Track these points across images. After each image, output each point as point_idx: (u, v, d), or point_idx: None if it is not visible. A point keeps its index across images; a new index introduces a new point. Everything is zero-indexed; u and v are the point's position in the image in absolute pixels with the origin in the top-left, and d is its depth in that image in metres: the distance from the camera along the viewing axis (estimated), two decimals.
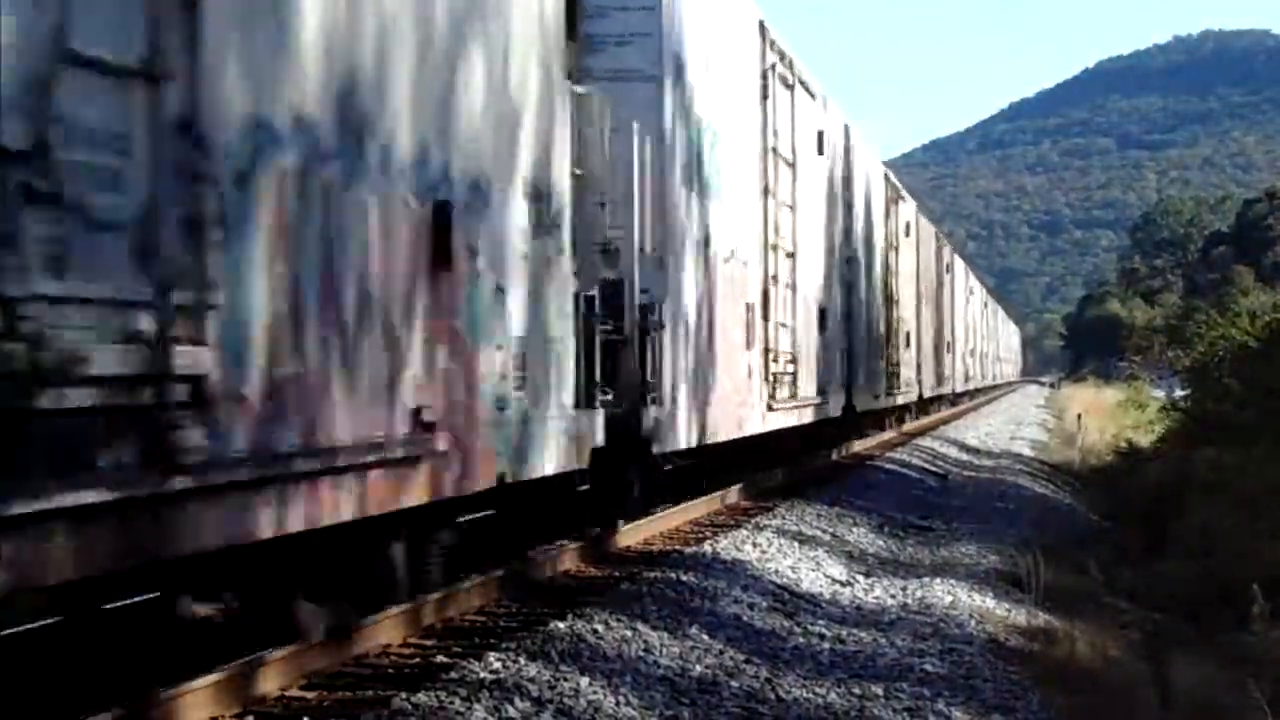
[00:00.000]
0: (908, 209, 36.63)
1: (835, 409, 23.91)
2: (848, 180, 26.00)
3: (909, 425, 40.00)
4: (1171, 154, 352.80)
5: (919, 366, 38.52)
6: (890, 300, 32.36)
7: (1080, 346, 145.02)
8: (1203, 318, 42.36)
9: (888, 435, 35.08)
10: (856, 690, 9.18)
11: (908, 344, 35.04)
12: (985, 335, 77.09)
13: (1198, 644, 13.09)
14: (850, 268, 25.99)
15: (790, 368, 19.74)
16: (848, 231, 25.85)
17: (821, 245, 22.79)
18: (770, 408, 18.50)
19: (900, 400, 34.68)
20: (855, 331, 26.30)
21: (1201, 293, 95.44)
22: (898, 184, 34.41)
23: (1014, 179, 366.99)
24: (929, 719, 8.79)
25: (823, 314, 22.28)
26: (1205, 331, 39.10)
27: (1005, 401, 75.95)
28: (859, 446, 30.08)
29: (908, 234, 35.99)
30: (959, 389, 57.40)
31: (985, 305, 79.00)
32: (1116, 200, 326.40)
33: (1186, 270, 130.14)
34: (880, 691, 9.21)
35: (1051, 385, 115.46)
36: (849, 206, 26.06)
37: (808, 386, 20.92)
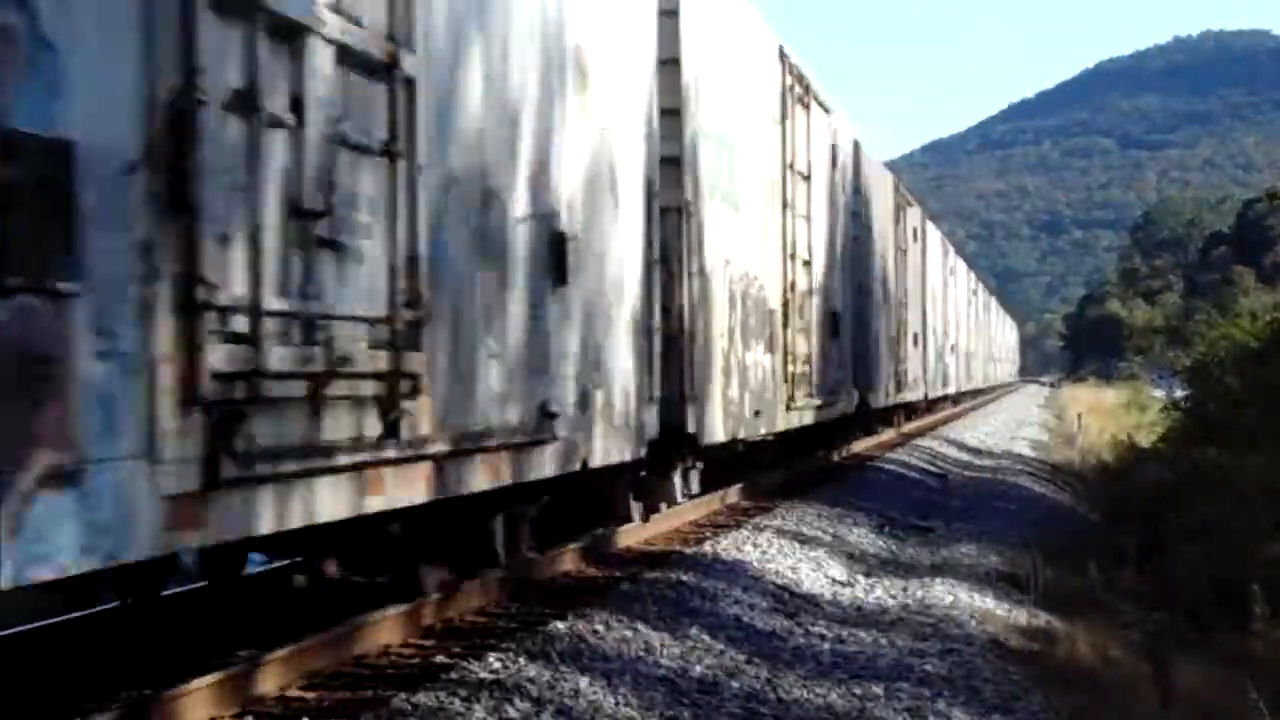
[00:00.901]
0: (821, 121, 21.80)
1: (558, 460, 10.31)
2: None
3: (908, 425, 39.81)
4: (1172, 154, 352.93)
5: (858, 365, 25.45)
6: (793, 255, 19.18)
7: (1080, 347, 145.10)
8: (1203, 318, 42.36)
9: (887, 435, 35.02)
10: (857, 690, 9.17)
11: (835, 329, 22.31)
12: (974, 328, 63.64)
13: (1198, 644, 13.08)
14: (677, 175, 13.87)
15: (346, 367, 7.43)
16: (673, 113, 13.76)
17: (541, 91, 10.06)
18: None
19: (809, 418, 20.32)
20: (678, 294, 13.71)
21: (1202, 293, 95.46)
22: (801, 68, 20.12)
23: (1014, 179, 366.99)
24: (929, 719, 8.78)
25: (559, 246, 10.30)
26: (1206, 331, 39.12)
27: (1005, 402, 75.91)
28: (859, 447, 30.05)
29: (835, 164, 23.36)
30: (934, 394, 44.14)
31: (974, 293, 65.61)
32: (1117, 200, 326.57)
33: (1187, 270, 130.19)
34: (881, 692, 9.20)
35: (1051, 385, 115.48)
36: (673, 64, 13.78)
37: (447, 421, 8.34)
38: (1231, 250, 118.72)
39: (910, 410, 39.47)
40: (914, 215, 37.63)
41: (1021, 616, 12.80)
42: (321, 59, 6.71)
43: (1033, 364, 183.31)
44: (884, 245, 30.92)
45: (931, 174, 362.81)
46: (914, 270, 36.96)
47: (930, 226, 43.60)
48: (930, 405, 45.11)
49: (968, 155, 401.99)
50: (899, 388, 32.70)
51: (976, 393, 69.41)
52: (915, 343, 36.30)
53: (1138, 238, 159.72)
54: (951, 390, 50.85)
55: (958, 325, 52.98)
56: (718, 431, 15.07)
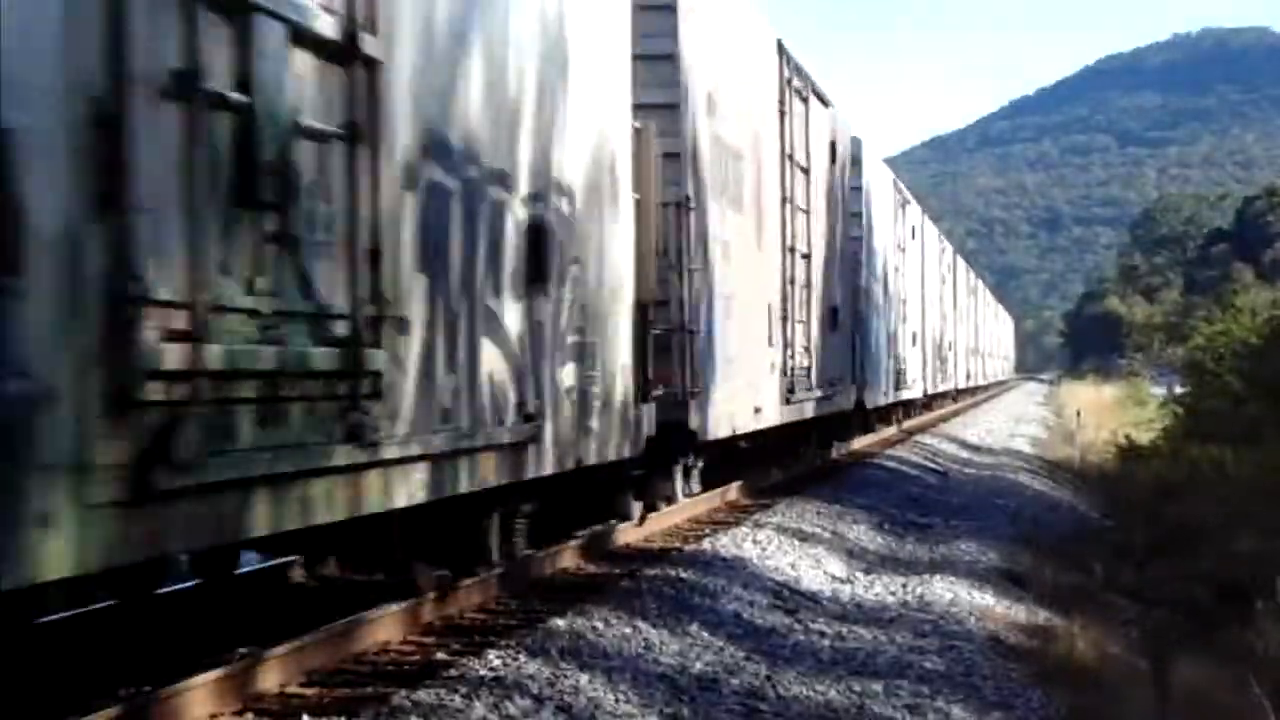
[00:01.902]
0: None
1: None
2: None
3: (909, 422, 39.73)
4: (1171, 151, 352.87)
5: (672, 353, 13.99)
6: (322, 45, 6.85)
7: (1080, 343, 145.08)
8: (1203, 313, 42.36)
9: (888, 432, 35.03)
10: (856, 687, 9.18)
11: (539, 266, 9.87)
12: (952, 313, 51.21)
13: (1198, 642, 13.08)
14: None
15: None
16: None
17: None
18: None
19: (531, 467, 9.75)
20: None
21: (1201, 290, 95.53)
22: None
23: (1014, 176, 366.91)
24: (929, 716, 8.79)
25: None
26: (1205, 328, 39.14)
27: (1003, 400, 75.91)
28: (859, 444, 30.03)
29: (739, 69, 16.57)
30: (880, 400, 30.61)
31: (952, 270, 52.88)
32: (1116, 197, 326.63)
33: (1186, 267, 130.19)
34: (880, 689, 9.21)
35: (1051, 383, 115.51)
36: None
37: None
38: (1231, 247, 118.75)
39: (835, 431, 26.20)
40: (826, 122, 23.08)
41: (1021, 613, 12.80)
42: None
43: (1032, 361, 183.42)
44: (745, 143, 16.99)
45: (931, 171, 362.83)
46: (829, 209, 23.35)
47: (871, 158, 30.19)
48: (869, 419, 31.35)
49: (967, 152, 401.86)
50: (792, 394, 19.31)
51: (957, 394, 57.13)
52: (832, 324, 23.21)
53: (1137, 235, 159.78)
54: (913, 394, 38.12)
55: (925, 307, 40.65)
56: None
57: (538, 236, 9.69)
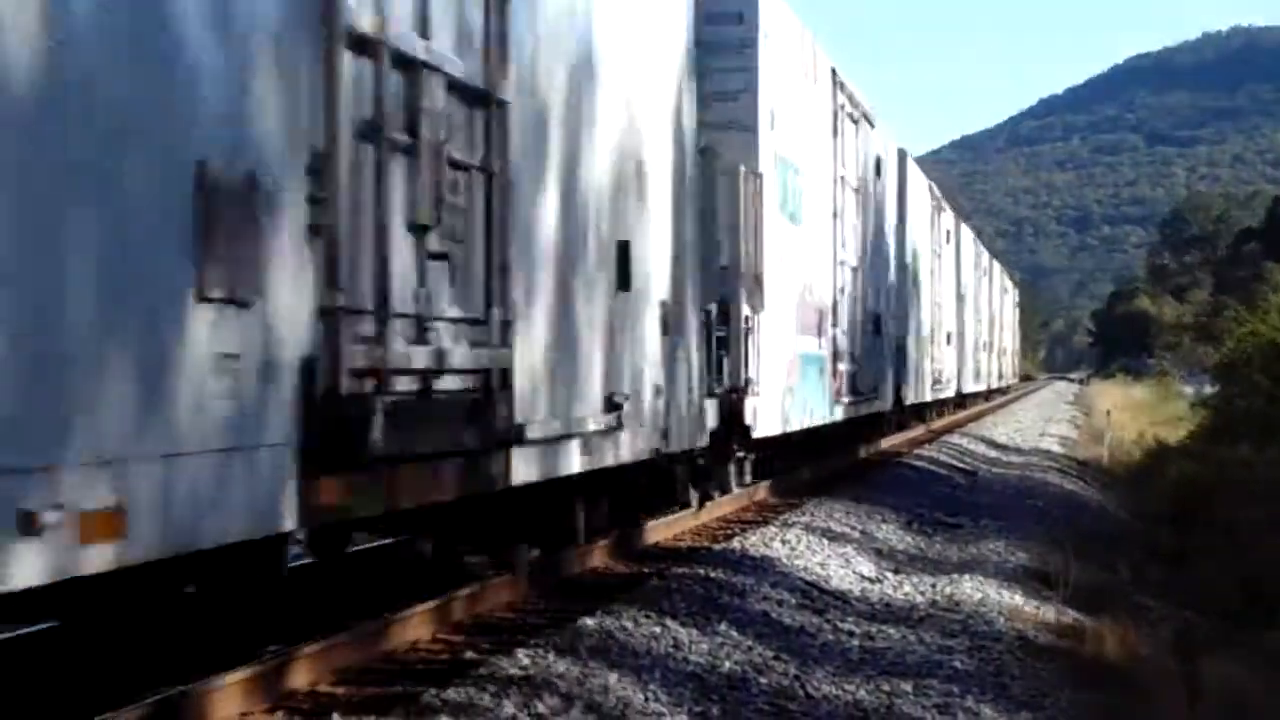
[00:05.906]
0: None
1: None
2: None
3: (936, 423, 39.60)
4: (1200, 150, 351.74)
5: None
6: None
7: (1109, 343, 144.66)
8: (1232, 314, 42.18)
9: (916, 433, 34.96)
10: (885, 687, 9.18)
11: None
12: (930, 279, 36.04)
13: (1228, 642, 13.04)
14: None
15: None
16: None
17: None
18: None
19: None
20: None
21: (1231, 289, 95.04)
22: None
23: (1043, 175, 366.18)
24: (958, 716, 8.78)
25: None
26: (1235, 328, 39.01)
27: (1033, 399, 75.64)
28: (886, 444, 30.01)
29: None
30: (795, 426, 18.29)
31: (947, 232, 40.12)
32: (1145, 197, 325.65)
33: (1216, 267, 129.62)
34: (909, 688, 9.20)
35: (1080, 382, 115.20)
36: None
37: None
38: (1261, 246, 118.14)
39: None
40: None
41: (1050, 614, 12.78)
42: None
43: (1061, 360, 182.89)
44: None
45: (960, 171, 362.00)
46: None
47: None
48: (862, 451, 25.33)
49: (997, 152, 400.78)
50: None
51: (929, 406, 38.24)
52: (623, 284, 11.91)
53: (1166, 234, 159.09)
54: (877, 408, 25.83)
55: (915, 281, 30.89)
56: None
57: None
